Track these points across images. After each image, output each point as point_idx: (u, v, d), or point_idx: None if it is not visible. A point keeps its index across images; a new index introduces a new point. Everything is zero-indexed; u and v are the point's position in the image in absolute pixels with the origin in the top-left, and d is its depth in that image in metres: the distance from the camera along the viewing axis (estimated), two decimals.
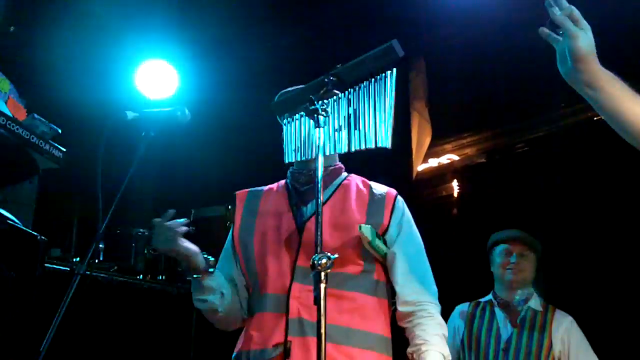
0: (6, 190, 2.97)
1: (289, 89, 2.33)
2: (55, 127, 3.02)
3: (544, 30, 1.71)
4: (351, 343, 2.10)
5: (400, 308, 2.24)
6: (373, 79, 1.71)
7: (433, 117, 5.16)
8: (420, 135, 5.13)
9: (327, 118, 1.75)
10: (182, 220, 2.16)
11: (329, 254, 1.62)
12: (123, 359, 3.72)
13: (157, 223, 2.14)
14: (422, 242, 2.34)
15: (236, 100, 4.85)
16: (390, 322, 2.29)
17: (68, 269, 3.51)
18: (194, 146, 4.82)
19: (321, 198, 1.72)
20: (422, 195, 5.31)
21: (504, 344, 3.32)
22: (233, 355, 2.26)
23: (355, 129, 1.73)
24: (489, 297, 3.53)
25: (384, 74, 1.69)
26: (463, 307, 3.58)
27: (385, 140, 1.68)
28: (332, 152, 1.79)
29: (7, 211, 2.64)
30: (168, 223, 2.12)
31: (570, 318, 3.36)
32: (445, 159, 5.31)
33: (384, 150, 1.71)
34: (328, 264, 1.61)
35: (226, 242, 2.40)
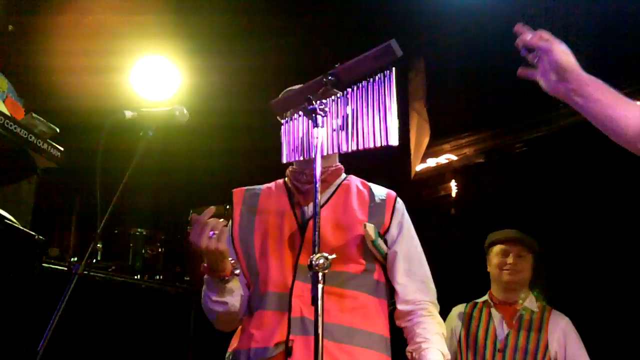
0: (4, 189, 2.96)
1: (295, 87, 2.34)
2: (53, 126, 3.01)
3: (523, 70, 1.74)
4: (353, 342, 2.11)
5: (400, 307, 2.25)
6: (372, 79, 1.71)
7: (431, 117, 5.16)
8: (419, 135, 5.13)
9: (325, 118, 1.75)
10: (220, 219, 2.09)
11: (326, 254, 1.62)
12: (122, 359, 3.72)
13: (198, 219, 2.04)
14: (420, 244, 2.36)
15: (235, 100, 4.85)
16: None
17: (66, 268, 3.51)
18: (193, 146, 4.82)
19: (319, 198, 1.71)
20: (421, 195, 5.30)
21: (500, 344, 3.33)
22: (228, 354, 2.24)
23: (354, 128, 1.73)
24: (486, 297, 3.54)
25: (382, 74, 1.69)
26: (460, 308, 3.58)
27: (391, 138, 1.67)
28: (334, 152, 1.79)
29: (5, 210, 2.64)
30: (210, 220, 2.03)
31: (566, 318, 3.37)
32: (443, 159, 5.30)
33: (382, 150, 1.71)
34: (326, 264, 1.61)
35: None
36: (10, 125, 2.75)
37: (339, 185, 2.33)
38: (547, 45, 1.66)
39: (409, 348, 2.22)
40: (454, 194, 5.24)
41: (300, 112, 1.83)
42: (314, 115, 1.74)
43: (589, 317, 3.64)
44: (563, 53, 1.66)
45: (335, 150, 1.77)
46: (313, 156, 1.77)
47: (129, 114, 2.36)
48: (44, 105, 3.23)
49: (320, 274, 1.62)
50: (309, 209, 2.25)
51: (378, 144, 1.69)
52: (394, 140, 1.67)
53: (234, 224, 2.32)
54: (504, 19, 4.17)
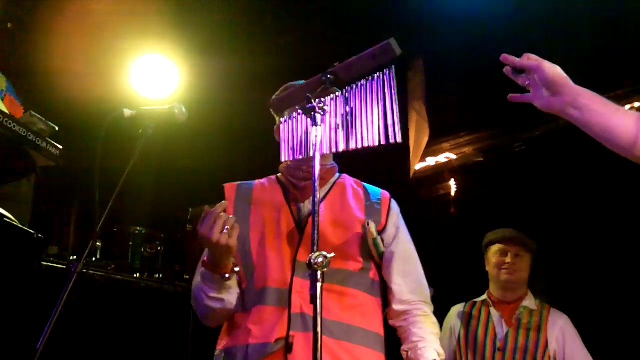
0: (3, 188, 2.96)
1: (295, 82, 2.34)
2: (52, 124, 3.01)
3: (515, 96, 1.76)
4: (352, 340, 2.11)
5: (396, 306, 2.26)
6: (371, 77, 1.71)
7: (431, 116, 5.16)
8: (418, 134, 5.14)
9: (324, 116, 1.75)
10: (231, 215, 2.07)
11: (325, 253, 1.62)
12: (120, 358, 3.72)
13: (212, 212, 2.00)
14: (413, 244, 2.38)
15: (234, 98, 4.85)
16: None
17: (65, 267, 3.51)
18: (192, 144, 4.82)
19: (318, 196, 1.71)
20: (420, 194, 5.30)
21: (500, 343, 3.33)
22: (219, 352, 2.20)
23: (354, 127, 1.73)
24: (484, 296, 3.54)
25: (381, 72, 1.69)
26: (459, 307, 3.59)
27: (396, 135, 1.67)
28: (334, 151, 1.78)
29: (4, 209, 2.64)
30: (223, 215, 2.00)
31: (565, 317, 3.38)
32: (443, 158, 5.30)
33: (381, 149, 1.71)
34: (325, 263, 1.61)
35: None
36: (9, 124, 2.74)
37: (334, 184, 2.34)
38: (536, 63, 1.69)
39: (404, 347, 2.23)
40: (453, 193, 5.24)
41: (299, 111, 1.82)
42: (312, 113, 1.74)
43: (587, 316, 3.64)
44: (553, 68, 1.69)
45: (335, 149, 1.77)
46: (312, 154, 1.77)
47: (128, 112, 2.37)
48: (43, 104, 3.23)
49: (319, 273, 1.61)
50: (306, 206, 2.26)
51: (379, 143, 1.69)
52: (398, 138, 1.67)
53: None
54: (503, 18, 4.19)
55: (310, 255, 1.63)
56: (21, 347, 2.59)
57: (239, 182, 2.39)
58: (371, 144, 1.69)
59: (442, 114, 5.15)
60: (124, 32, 4.46)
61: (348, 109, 1.73)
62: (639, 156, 1.68)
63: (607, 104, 1.69)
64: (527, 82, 1.74)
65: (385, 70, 1.68)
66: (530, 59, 1.72)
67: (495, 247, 3.51)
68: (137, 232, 4.25)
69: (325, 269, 1.62)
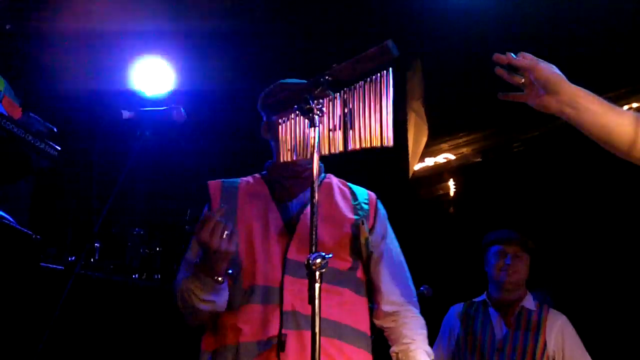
0: (1, 189, 2.96)
1: (286, 80, 2.34)
2: (50, 125, 3.01)
3: (506, 95, 1.75)
4: (342, 338, 2.11)
5: (385, 307, 2.26)
6: (369, 79, 1.71)
7: (429, 116, 5.16)
8: (417, 134, 5.14)
9: (322, 117, 1.75)
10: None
11: (323, 254, 1.62)
12: (119, 358, 3.72)
13: (211, 218, 1.96)
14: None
15: (232, 99, 4.85)
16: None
17: (63, 268, 3.50)
18: (190, 145, 4.82)
19: (315, 198, 1.71)
20: (419, 194, 5.31)
21: (499, 343, 3.33)
22: (205, 352, 2.17)
23: (351, 129, 1.73)
24: (483, 297, 3.54)
25: (379, 74, 1.69)
26: (457, 308, 3.59)
27: (385, 139, 1.68)
28: (331, 152, 1.78)
29: (3, 210, 2.64)
30: (221, 220, 1.97)
31: (564, 317, 3.38)
32: (441, 158, 5.31)
33: (380, 149, 1.71)
34: (323, 264, 1.61)
35: None
36: (7, 125, 2.74)
37: (320, 183, 2.32)
38: (531, 62, 1.67)
39: (394, 349, 2.24)
40: (451, 193, 5.25)
41: (297, 112, 1.82)
42: (310, 115, 1.74)
43: (585, 315, 3.64)
44: (549, 67, 1.68)
45: (332, 150, 1.77)
46: (309, 156, 1.77)
47: (126, 113, 2.37)
48: (41, 105, 3.23)
49: (317, 273, 1.61)
50: (293, 204, 2.25)
51: (374, 145, 1.69)
52: (389, 142, 1.67)
53: None
54: (501, 18, 4.20)
55: (308, 256, 1.62)
56: (21, 348, 2.59)
57: (223, 180, 2.37)
58: (368, 146, 1.69)
59: (441, 115, 5.16)
60: (122, 33, 4.46)
61: (346, 110, 1.73)
62: (637, 157, 1.66)
63: (604, 104, 1.67)
64: (522, 81, 1.73)
65: (383, 72, 1.68)
66: (526, 58, 1.71)
67: (495, 248, 3.51)
68: (135, 232, 4.24)
69: (324, 270, 1.62)
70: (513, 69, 1.72)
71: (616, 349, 3.81)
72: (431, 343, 3.61)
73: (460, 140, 5.23)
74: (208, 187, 2.33)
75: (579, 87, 1.67)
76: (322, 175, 2.37)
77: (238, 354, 2.05)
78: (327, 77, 1.74)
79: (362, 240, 2.19)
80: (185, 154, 4.94)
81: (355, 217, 2.24)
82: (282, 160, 1.91)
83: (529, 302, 3.43)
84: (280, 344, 2.02)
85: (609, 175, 4.08)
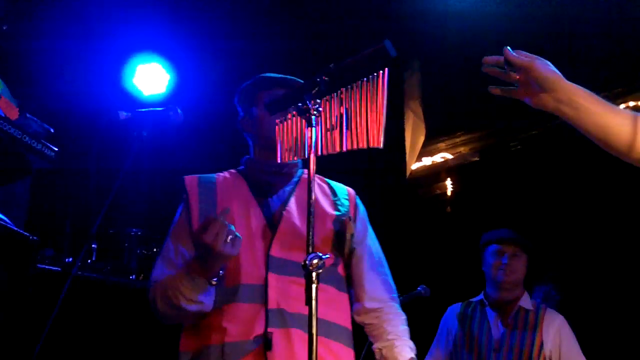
0: None
1: (270, 74, 2.34)
2: (47, 126, 3.01)
3: (500, 90, 1.73)
4: (328, 335, 2.09)
5: (368, 304, 2.26)
6: (366, 79, 1.71)
7: (427, 116, 5.17)
8: (414, 133, 5.14)
9: (319, 118, 1.75)
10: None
11: (320, 254, 1.62)
12: (117, 359, 3.72)
13: (217, 223, 1.93)
14: None
15: (229, 99, 4.84)
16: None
17: (61, 269, 3.50)
18: (188, 146, 4.81)
19: (313, 197, 1.71)
20: (416, 193, 5.31)
21: (496, 343, 3.33)
22: (185, 352, 2.13)
23: (347, 129, 1.73)
24: (481, 296, 3.54)
25: (376, 74, 1.69)
26: (455, 308, 3.59)
27: (377, 140, 1.68)
28: (327, 152, 1.78)
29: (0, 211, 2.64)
30: (226, 224, 1.95)
31: (561, 317, 3.38)
32: (439, 158, 5.31)
33: (377, 149, 1.71)
34: (320, 264, 1.61)
35: (177, 231, 2.24)
36: (4, 126, 2.74)
37: (299, 179, 2.31)
38: (528, 60, 1.66)
39: (378, 345, 2.24)
40: (449, 193, 5.25)
41: (294, 112, 1.82)
42: (307, 115, 1.74)
43: (582, 315, 3.65)
44: (545, 64, 1.66)
45: (329, 150, 1.76)
46: (305, 156, 1.76)
47: (123, 114, 2.36)
48: (39, 106, 3.22)
49: (314, 274, 1.61)
50: (274, 201, 2.23)
51: (367, 145, 1.70)
52: (378, 143, 1.67)
53: (192, 212, 2.20)
54: (498, 18, 4.20)
55: (305, 257, 1.62)
56: (18, 350, 2.58)
57: (199, 175, 2.33)
58: (364, 146, 1.69)
59: (438, 114, 5.16)
60: (119, 32, 4.46)
61: (342, 111, 1.73)
62: (636, 158, 1.64)
63: (602, 102, 1.65)
64: (517, 78, 1.71)
65: (380, 73, 1.68)
66: (521, 55, 1.69)
67: (492, 248, 3.51)
68: (132, 233, 4.24)
69: (320, 270, 1.61)
70: (510, 65, 1.70)
71: (621, 345, 3.81)
72: (429, 343, 3.63)
73: (458, 140, 5.23)
74: (184, 182, 2.28)
75: (576, 85, 1.65)
76: (300, 170, 2.35)
77: (223, 354, 2.01)
78: (324, 77, 1.74)
79: (348, 236, 2.18)
80: (182, 154, 4.93)
81: (336, 213, 2.22)
82: (279, 160, 1.90)
83: (526, 302, 3.44)
84: (266, 343, 2.00)
85: (607, 174, 4.09)
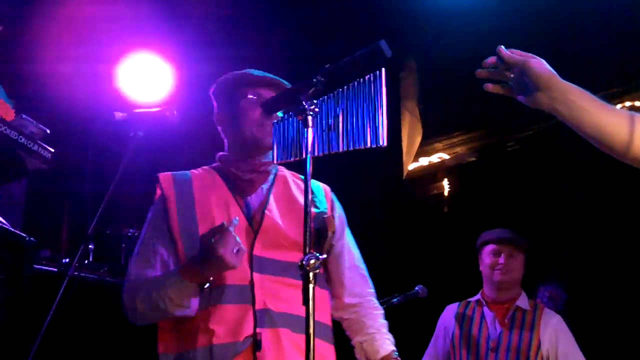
0: None
1: (252, 71, 2.30)
2: (43, 127, 3.00)
3: (495, 87, 1.73)
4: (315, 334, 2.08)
5: (347, 299, 2.27)
6: (362, 79, 1.71)
7: (423, 116, 5.16)
8: (411, 134, 5.14)
9: (315, 118, 1.75)
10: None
11: (317, 254, 1.61)
12: None
13: (230, 233, 1.91)
14: None
15: None
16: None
17: (57, 270, 3.49)
18: (184, 146, 4.81)
19: (309, 198, 1.71)
20: (413, 194, 5.31)
21: (493, 343, 3.34)
22: (167, 355, 2.07)
23: (344, 129, 1.73)
24: (478, 296, 3.55)
25: (372, 74, 1.69)
26: (452, 307, 3.59)
27: (379, 138, 1.67)
28: (324, 152, 1.78)
29: None
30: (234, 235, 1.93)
31: (557, 316, 3.39)
32: (436, 158, 5.31)
33: (374, 149, 1.71)
34: (317, 265, 1.60)
35: (154, 230, 2.19)
36: (0, 127, 2.73)
37: (275, 175, 2.29)
38: (522, 58, 1.65)
39: (358, 339, 2.24)
40: (446, 193, 5.25)
41: (291, 112, 1.82)
42: (304, 115, 1.74)
43: (577, 316, 3.65)
44: (540, 63, 1.64)
45: (325, 151, 1.76)
46: (302, 156, 1.76)
47: (119, 115, 2.36)
48: (35, 106, 3.22)
49: (311, 274, 1.61)
50: (253, 200, 2.20)
51: (367, 145, 1.69)
52: (382, 141, 1.67)
53: (170, 211, 2.15)
54: (496, 17, 4.20)
55: (302, 257, 1.61)
56: (15, 351, 2.58)
57: (172, 173, 2.29)
58: (361, 146, 1.69)
59: (435, 114, 5.16)
60: (115, 34, 4.45)
61: (339, 111, 1.73)
62: (633, 158, 1.61)
63: (597, 102, 1.62)
64: (511, 76, 1.70)
65: (376, 73, 1.68)
66: (515, 53, 1.68)
67: (489, 247, 3.51)
68: (129, 233, 4.23)
69: (317, 270, 1.61)
70: (503, 63, 1.69)
71: (630, 344, 3.81)
72: (426, 343, 3.64)
73: (455, 140, 5.23)
74: (159, 180, 2.24)
75: (571, 84, 1.63)
76: (275, 168, 2.32)
77: (212, 356, 1.98)
78: (320, 78, 1.73)
79: (330, 234, 2.17)
80: (179, 154, 4.93)
81: (315, 210, 2.21)
82: (276, 161, 1.90)
83: (524, 302, 3.44)
84: (256, 344, 1.98)
85: (605, 174, 4.09)
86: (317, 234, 2.16)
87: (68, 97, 4.08)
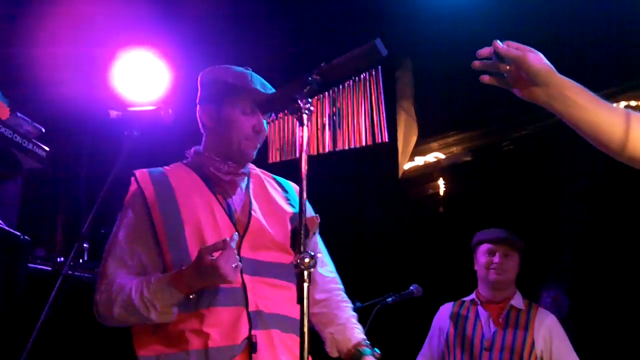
0: None
1: (234, 66, 2.28)
2: (38, 126, 3.00)
3: (491, 79, 1.70)
4: (296, 332, 2.06)
5: (318, 295, 2.28)
6: (357, 78, 1.71)
7: (419, 116, 5.17)
8: (407, 133, 5.14)
9: (310, 117, 1.74)
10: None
11: (311, 252, 1.61)
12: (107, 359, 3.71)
13: (231, 248, 1.90)
14: None
15: None
16: None
17: (52, 269, 3.49)
18: (179, 145, 4.80)
19: (304, 198, 1.69)
20: (409, 193, 5.31)
21: (487, 342, 3.34)
22: (148, 357, 2.05)
23: (339, 128, 1.73)
24: (472, 296, 3.55)
25: (367, 73, 1.69)
26: (447, 307, 3.59)
27: (381, 134, 1.67)
28: (321, 151, 1.78)
29: None
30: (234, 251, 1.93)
31: (552, 316, 3.39)
32: (431, 157, 5.31)
33: (369, 148, 1.71)
34: (312, 263, 1.60)
35: (132, 230, 2.13)
36: None
37: (249, 175, 2.27)
38: (519, 52, 1.62)
39: (329, 330, 2.25)
40: (441, 193, 5.25)
41: (286, 111, 1.81)
42: (299, 114, 1.73)
43: (583, 319, 3.65)
44: (538, 57, 1.61)
45: (321, 150, 1.76)
46: (297, 155, 1.76)
47: (113, 113, 2.36)
48: (30, 105, 3.21)
49: (305, 273, 1.60)
50: (234, 200, 2.17)
51: (366, 143, 1.69)
52: (383, 137, 1.67)
53: (153, 213, 2.09)
54: (492, 17, 4.21)
55: (296, 256, 1.61)
56: (9, 349, 2.57)
57: (147, 170, 2.23)
58: (358, 145, 1.69)
59: (431, 114, 5.16)
60: (110, 32, 4.44)
61: (334, 110, 1.73)
62: (629, 157, 1.60)
63: (594, 99, 1.60)
64: (507, 68, 1.67)
65: (372, 71, 1.68)
66: (511, 46, 1.66)
67: (484, 247, 3.52)
68: None
69: (312, 269, 1.61)
70: (501, 57, 1.66)
71: (633, 348, 3.81)
72: (421, 342, 3.64)
73: (450, 140, 5.23)
74: (136, 177, 2.18)
75: (568, 80, 1.60)
76: (248, 166, 2.28)
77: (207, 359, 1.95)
78: (315, 77, 1.73)
79: (311, 234, 2.17)
80: (174, 153, 4.92)
81: (293, 209, 2.21)
82: (271, 160, 1.90)
83: (518, 301, 3.44)
84: (251, 346, 1.97)
85: (602, 173, 4.10)
86: (293, 234, 2.15)
87: (63, 95, 4.06)
